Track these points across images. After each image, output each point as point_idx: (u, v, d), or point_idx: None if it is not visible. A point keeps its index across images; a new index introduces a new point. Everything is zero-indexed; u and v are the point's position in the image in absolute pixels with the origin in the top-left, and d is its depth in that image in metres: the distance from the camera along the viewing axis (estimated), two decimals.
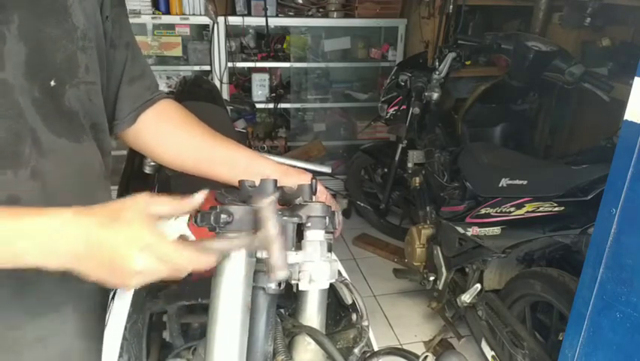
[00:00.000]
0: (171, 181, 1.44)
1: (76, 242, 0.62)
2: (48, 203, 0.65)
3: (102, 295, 0.91)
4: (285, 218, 0.69)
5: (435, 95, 2.62)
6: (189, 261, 0.62)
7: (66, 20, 0.77)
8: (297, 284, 0.69)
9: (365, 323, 0.80)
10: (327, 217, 0.72)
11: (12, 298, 0.78)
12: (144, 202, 0.64)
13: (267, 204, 0.63)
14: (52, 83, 0.75)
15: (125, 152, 1.97)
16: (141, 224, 0.61)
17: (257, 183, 0.72)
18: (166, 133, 0.96)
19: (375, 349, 0.86)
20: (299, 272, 0.68)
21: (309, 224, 0.70)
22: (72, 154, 0.80)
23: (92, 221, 0.62)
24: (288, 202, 0.72)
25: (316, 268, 0.68)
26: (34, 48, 0.73)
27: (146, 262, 0.61)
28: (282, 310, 0.84)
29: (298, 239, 0.72)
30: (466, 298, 2.12)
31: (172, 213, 0.67)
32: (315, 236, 0.70)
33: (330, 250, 0.82)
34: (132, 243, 0.61)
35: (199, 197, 0.67)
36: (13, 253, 0.62)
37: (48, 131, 0.76)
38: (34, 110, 0.74)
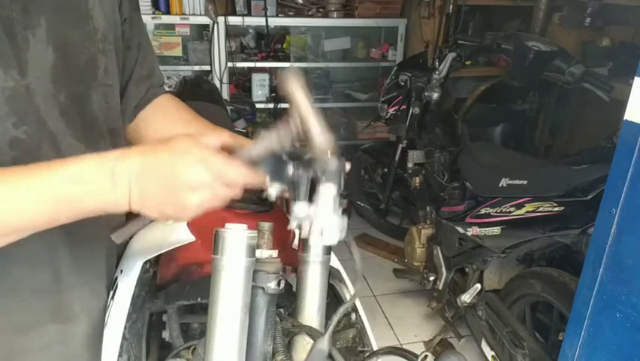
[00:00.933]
0: None
1: (129, 174, 0.61)
2: None
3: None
4: (300, 171, 0.70)
5: (435, 95, 2.62)
6: (240, 173, 0.62)
7: (87, 23, 0.77)
8: (307, 238, 0.69)
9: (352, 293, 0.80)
10: (340, 172, 0.72)
11: (25, 304, 0.78)
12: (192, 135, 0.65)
13: (292, 76, 0.63)
14: (77, 87, 0.76)
15: None
16: (192, 142, 0.62)
17: None
18: (163, 127, 0.96)
19: (375, 348, 0.86)
20: (310, 225, 0.68)
21: (323, 178, 0.70)
22: None
23: (145, 150, 0.63)
24: (298, 157, 0.72)
25: (330, 222, 0.68)
26: (61, 52, 0.73)
27: (202, 176, 0.60)
28: (281, 310, 0.84)
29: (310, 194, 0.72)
30: (466, 298, 2.12)
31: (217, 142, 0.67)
32: (328, 190, 0.70)
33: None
34: (187, 155, 0.61)
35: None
36: (68, 200, 0.61)
37: (70, 137, 0.76)
38: (59, 115, 0.74)
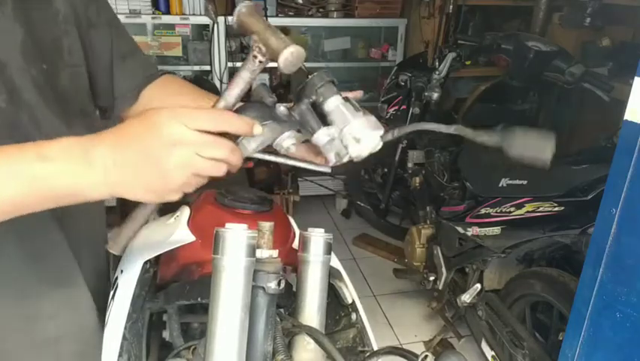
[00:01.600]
0: None
1: (103, 149, 0.59)
2: None
3: (108, 276, 0.93)
4: (302, 107, 0.66)
5: (435, 95, 2.62)
6: (219, 118, 0.59)
7: (50, 4, 0.78)
8: (349, 156, 0.64)
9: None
10: (332, 80, 0.68)
11: (27, 271, 0.79)
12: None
13: (244, 9, 0.61)
14: (44, 66, 0.76)
15: None
16: (165, 108, 0.59)
17: None
18: (169, 103, 0.93)
19: (375, 348, 0.86)
20: (342, 143, 0.63)
21: (321, 99, 0.67)
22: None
23: (118, 126, 0.61)
24: (282, 98, 0.71)
25: (355, 127, 0.63)
26: (27, 30, 0.73)
27: (177, 130, 0.57)
28: (281, 310, 0.84)
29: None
30: (466, 298, 2.12)
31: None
32: (333, 103, 0.66)
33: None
34: (158, 117, 0.58)
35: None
36: (40, 179, 0.59)
37: (45, 108, 0.76)
38: (32, 87, 0.74)
